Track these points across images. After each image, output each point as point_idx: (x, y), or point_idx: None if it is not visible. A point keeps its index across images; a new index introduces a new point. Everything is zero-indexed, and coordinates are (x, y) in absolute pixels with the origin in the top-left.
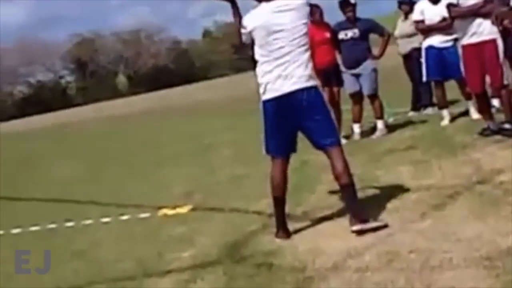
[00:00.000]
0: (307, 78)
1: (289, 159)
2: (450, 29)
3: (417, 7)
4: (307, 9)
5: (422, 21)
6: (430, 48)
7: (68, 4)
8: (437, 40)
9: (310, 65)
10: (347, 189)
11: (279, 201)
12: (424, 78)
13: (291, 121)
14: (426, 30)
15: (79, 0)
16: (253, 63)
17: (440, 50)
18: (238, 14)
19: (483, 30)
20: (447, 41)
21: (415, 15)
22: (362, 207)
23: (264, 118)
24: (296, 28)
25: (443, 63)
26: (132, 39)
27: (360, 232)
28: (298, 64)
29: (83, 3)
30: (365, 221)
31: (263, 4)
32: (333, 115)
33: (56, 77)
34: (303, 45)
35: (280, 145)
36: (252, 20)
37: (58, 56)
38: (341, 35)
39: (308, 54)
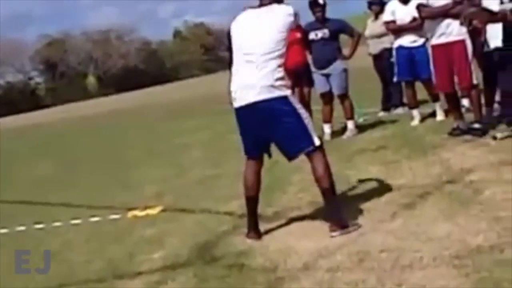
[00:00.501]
0: (272, 89)
1: (263, 161)
2: (420, 29)
3: (388, 8)
4: (289, 19)
5: (393, 22)
6: (400, 48)
7: (37, 4)
8: (407, 40)
9: (278, 74)
10: (326, 193)
11: (252, 201)
12: (395, 78)
13: (261, 130)
14: (397, 30)
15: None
16: (228, 66)
17: (410, 50)
18: None
19: (451, 30)
20: (417, 41)
21: (386, 16)
22: (342, 212)
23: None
24: (268, 36)
25: (413, 63)
26: (102, 40)
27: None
28: (263, 73)
29: (53, 3)
30: (345, 227)
31: (248, 10)
32: (307, 120)
33: (26, 78)
34: (272, 53)
35: (253, 148)
36: (232, 25)
37: (27, 57)
38: (312, 36)
39: (277, 62)
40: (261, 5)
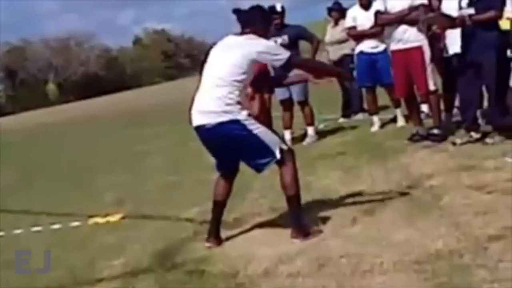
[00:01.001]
0: (221, 114)
1: (236, 173)
2: (381, 35)
3: (349, 14)
4: (255, 56)
5: (354, 27)
6: (361, 54)
7: None
8: (368, 46)
9: (230, 100)
10: (292, 201)
11: (218, 207)
12: (356, 85)
13: (222, 150)
14: (358, 36)
15: (7, 6)
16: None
17: (371, 55)
18: None
19: (408, 36)
20: (378, 46)
21: (347, 22)
22: (304, 219)
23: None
24: (226, 63)
25: (374, 69)
26: (61, 47)
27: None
28: (212, 98)
29: (11, 9)
30: (307, 234)
31: (229, 36)
32: (265, 136)
33: None
34: (227, 79)
35: (221, 164)
36: (213, 47)
37: None
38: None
39: (229, 89)
40: (242, 33)
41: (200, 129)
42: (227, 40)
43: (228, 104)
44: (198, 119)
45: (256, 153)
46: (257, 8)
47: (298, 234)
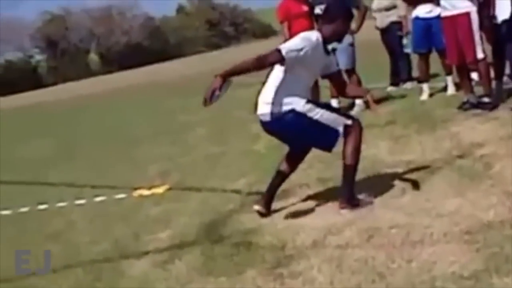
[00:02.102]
0: (267, 104)
1: (306, 152)
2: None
3: None
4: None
5: None
6: (416, 19)
7: None
8: (422, 11)
9: (284, 89)
10: (348, 171)
11: (280, 177)
12: (408, 50)
13: (285, 138)
14: (413, 1)
15: None
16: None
17: (426, 20)
18: None
19: (456, 3)
20: (433, 11)
21: None
22: (354, 190)
23: None
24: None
25: (429, 34)
26: (103, 16)
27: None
28: (265, 86)
29: None
30: (356, 205)
31: None
32: (322, 115)
33: (26, 56)
34: (276, 70)
35: (290, 147)
36: None
37: (27, 35)
38: (317, 10)
39: (274, 82)
40: None
41: (260, 116)
42: None
43: (277, 96)
44: (258, 108)
45: (321, 136)
46: None
47: (347, 204)
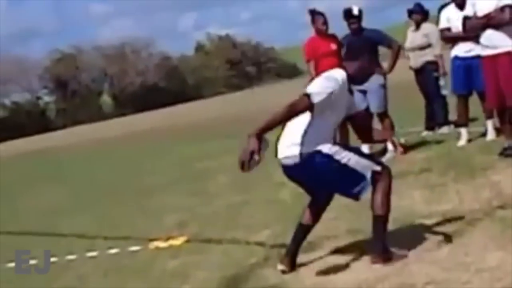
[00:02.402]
0: (294, 145)
1: (329, 201)
2: (477, 38)
3: (443, 14)
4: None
5: (448, 29)
6: (455, 58)
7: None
8: (462, 50)
9: (310, 131)
10: (378, 221)
11: (303, 230)
12: (445, 92)
13: (309, 184)
14: (452, 38)
15: (56, 12)
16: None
17: (466, 60)
18: None
19: (496, 41)
20: (474, 49)
21: (442, 23)
22: (386, 243)
23: None
24: None
25: (469, 75)
26: (116, 55)
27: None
28: (288, 130)
29: (61, 15)
30: (389, 259)
31: None
32: (349, 160)
33: (34, 97)
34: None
35: (313, 196)
36: None
37: (35, 75)
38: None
39: (308, 118)
40: None
41: (283, 165)
42: None
43: (302, 137)
44: (279, 151)
45: (348, 182)
46: None
47: (379, 258)
